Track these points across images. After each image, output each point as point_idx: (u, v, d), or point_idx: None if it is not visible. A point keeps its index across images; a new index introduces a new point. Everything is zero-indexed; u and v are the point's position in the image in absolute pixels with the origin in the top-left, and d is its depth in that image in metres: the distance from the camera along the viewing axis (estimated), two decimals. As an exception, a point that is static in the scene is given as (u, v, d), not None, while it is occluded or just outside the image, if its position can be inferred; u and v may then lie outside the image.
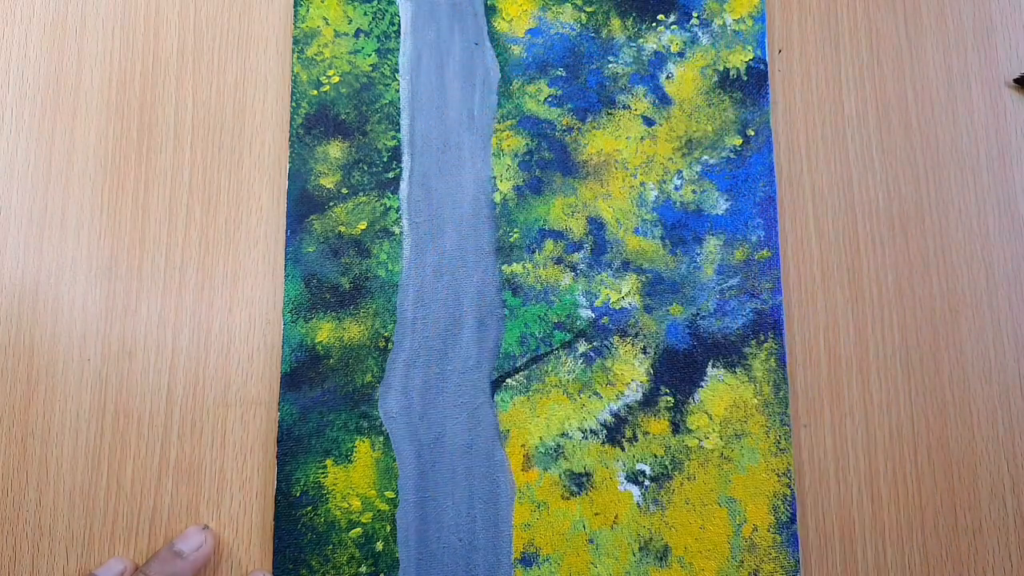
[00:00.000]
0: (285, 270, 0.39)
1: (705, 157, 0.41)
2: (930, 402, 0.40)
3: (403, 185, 0.40)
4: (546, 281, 0.40)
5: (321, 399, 0.38)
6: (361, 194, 0.40)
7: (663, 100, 0.42)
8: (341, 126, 0.40)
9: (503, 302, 0.39)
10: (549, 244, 0.40)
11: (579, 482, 0.38)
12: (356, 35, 0.41)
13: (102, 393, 0.38)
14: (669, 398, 0.39)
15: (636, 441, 0.38)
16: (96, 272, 0.40)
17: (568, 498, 0.38)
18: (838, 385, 0.40)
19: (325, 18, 0.41)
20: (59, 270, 0.39)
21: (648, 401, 0.39)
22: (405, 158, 0.40)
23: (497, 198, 0.40)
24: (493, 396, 0.39)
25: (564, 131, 0.41)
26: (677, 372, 0.39)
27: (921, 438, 0.39)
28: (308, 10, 0.41)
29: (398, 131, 0.41)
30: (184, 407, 0.38)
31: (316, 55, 0.41)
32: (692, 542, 0.37)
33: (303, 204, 0.40)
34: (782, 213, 0.41)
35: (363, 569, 0.37)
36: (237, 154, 0.41)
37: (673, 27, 0.42)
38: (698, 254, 0.40)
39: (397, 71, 0.41)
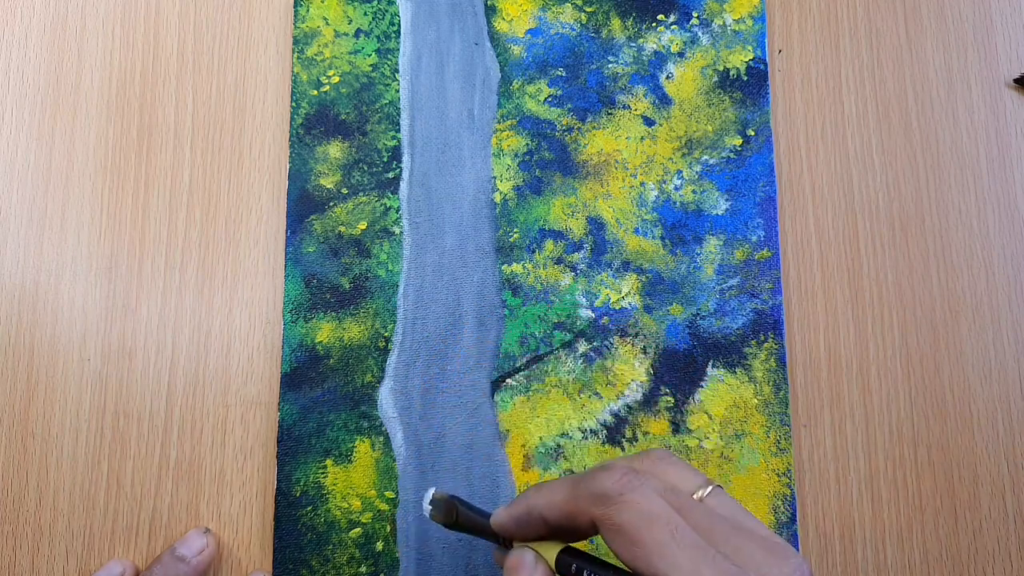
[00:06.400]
0: (285, 270, 0.39)
1: (705, 157, 0.41)
2: (930, 402, 0.40)
3: (403, 185, 0.40)
4: (546, 281, 0.40)
5: (321, 399, 0.38)
6: (361, 194, 0.40)
7: (663, 100, 0.42)
8: (341, 126, 0.40)
9: (503, 302, 0.39)
10: (549, 244, 0.40)
11: (579, 482, 0.38)
12: (356, 35, 0.41)
13: (102, 393, 0.38)
14: (669, 398, 0.39)
15: (636, 441, 0.38)
16: (96, 272, 0.40)
17: (568, 498, 0.38)
18: (838, 385, 0.40)
19: (325, 18, 0.41)
20: (59, 270, 0.39)
21: (648, 401, 0.39)
22: (405, 158, 0.40)
23: (497, 198, 0.40)
24: (493, 396, 0.39)
25: (564, 131, 0.41)
26: (677, 372, 0.39)
27: (921, 438, 0.39)
28: (308, 10, 0.41)
29: (398, 131, 0.41)
30: (184, 407, 0.38)
31: (316, 55, 0.41)
32: (692, 542, 0.37)
33: (303, 204, 0.40)
34: (782, 213, 0.41)
35: (363, 569, 0.37)
36: (237, 154, 0.41)
37: (673, 27, 0.42)
38: (698, 254, 0.40)
39: (397, 71, 0.41)
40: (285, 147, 0.41)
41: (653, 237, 0.40)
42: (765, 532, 0.29)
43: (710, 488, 0.30)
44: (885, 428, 0.39)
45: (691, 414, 0.39)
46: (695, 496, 0.29)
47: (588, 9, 0.42)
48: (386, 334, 0.39)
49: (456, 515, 0.32)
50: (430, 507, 0.32)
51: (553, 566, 0.29)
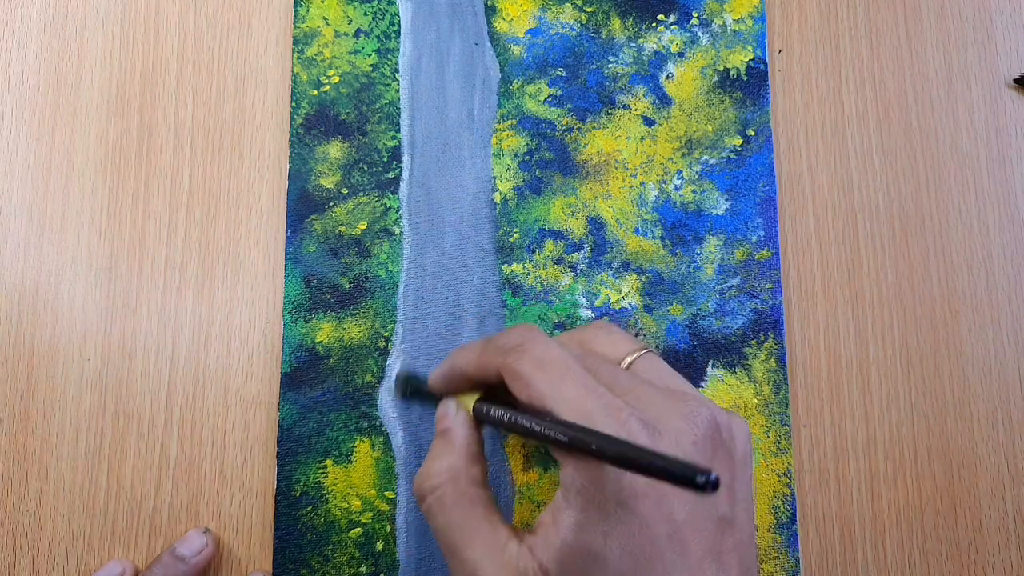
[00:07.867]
0: (285, 270, 0.39)
1: (705, 157, 0.41)
2: (930, 402, 0.40)
3: (403, 185, 0.40)
4: (546, 281, 0.40)
5: (321, 399, 0.38)
6: (361, 194, 0.40)
7: (663, 100, 0.42)
8: (341, 126, 0.40)
9: (503, 302, 0.39)
10: (549, 244, 0.40)
11: (579, 482, 0.38)
12: (356, 35, 0.41)
13: (102, 393, 0.38)
14: (669, 398, 0.39)
15: (636, 441, 0.38)
16: (96, 272, 0.40)
17: (568, 498, 0.38)
18: (838, 385, 0.40)
19: (325, 18, 0.41)
20: (59, 270, 0.39)
21: (648, 401, 0.39)
22: (405, 158, 0.40)
23: (497, 198, 0.40)
24: (493, 396, 0.39)
25: (564, 131, 0.41)
26: (677, 372, 0.39)
27: (921, 438, 0.39)
28: (308, 10, 0.41)
29: (398, 131, 0.41)
30: (184, 407, 0.39)
31: (316, 55, 0.41)
32: (692, 542, 0.37)
33: (303, 204, 0.40)
34: (782, 213, 0.41)
35: (363, 569, 0.37)
36: (237, 154, 0.41)
37: (673, 27, 0.42)
38: (698, 254, 0.40)
39: (397, 71, 0.41)
40: (285, 147, 0.41)
41: (653, 237, 0.40)
42: (686, 389, 0.29)
43: (639, 353, 0.31)
44: (885, 428, 0.39)
45: (691, 414, 0.39)
46: (625, 361, 0.30)
47: (588, 9, 0.42)
48: (386, 334, 0.39)
49: (407, 387, 0.38)
50: (393, 386, 0.38)
51: (471, 412, 0.32)
